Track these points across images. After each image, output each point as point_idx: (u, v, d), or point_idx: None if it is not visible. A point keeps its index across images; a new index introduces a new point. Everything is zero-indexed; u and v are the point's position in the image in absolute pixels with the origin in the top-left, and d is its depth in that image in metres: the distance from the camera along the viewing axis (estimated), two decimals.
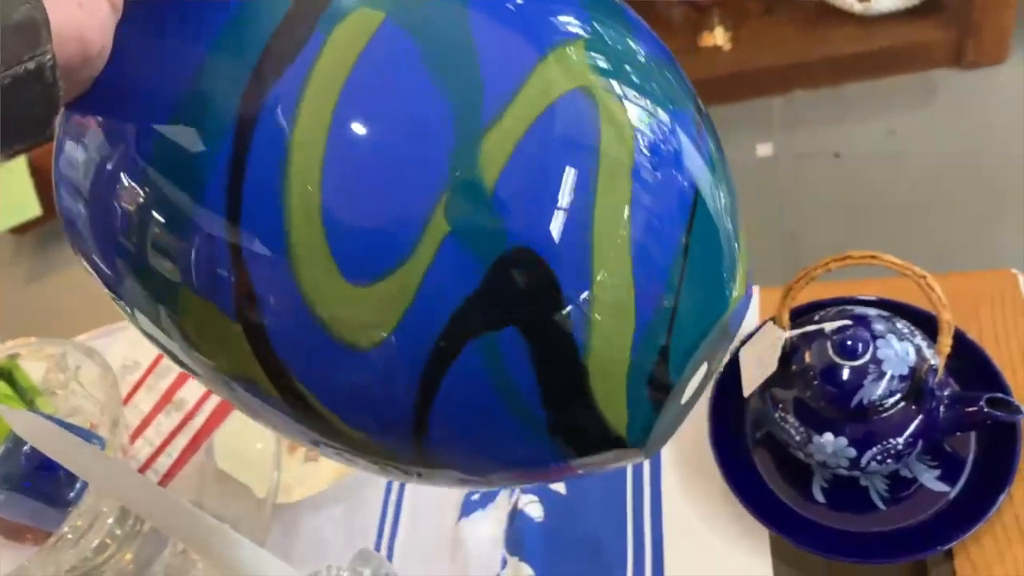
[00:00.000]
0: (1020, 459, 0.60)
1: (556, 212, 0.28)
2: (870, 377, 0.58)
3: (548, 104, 0.28)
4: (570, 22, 0.30)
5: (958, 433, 0.62)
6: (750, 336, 0.69)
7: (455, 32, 0.28)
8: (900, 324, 0.61)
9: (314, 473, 0.77)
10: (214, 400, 0.71)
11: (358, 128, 0.27)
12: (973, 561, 0.60)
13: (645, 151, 0.30)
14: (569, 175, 0.28)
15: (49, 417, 0.63)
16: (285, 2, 0.28)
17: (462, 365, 0.28)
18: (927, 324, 0.63)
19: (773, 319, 0.64)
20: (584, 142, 0.29)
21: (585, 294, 0.28)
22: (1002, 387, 0.62)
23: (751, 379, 0.64)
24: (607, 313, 0.29)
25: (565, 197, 0.28)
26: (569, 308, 0.28)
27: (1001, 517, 0.60)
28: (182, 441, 0.71)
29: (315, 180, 0.27)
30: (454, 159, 0.27)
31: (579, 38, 0.30)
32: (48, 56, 0.24)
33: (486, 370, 0.29)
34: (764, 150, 1.74)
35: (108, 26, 0.28)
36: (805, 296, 0.66)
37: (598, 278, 0.28)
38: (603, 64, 0.30)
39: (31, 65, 0.24)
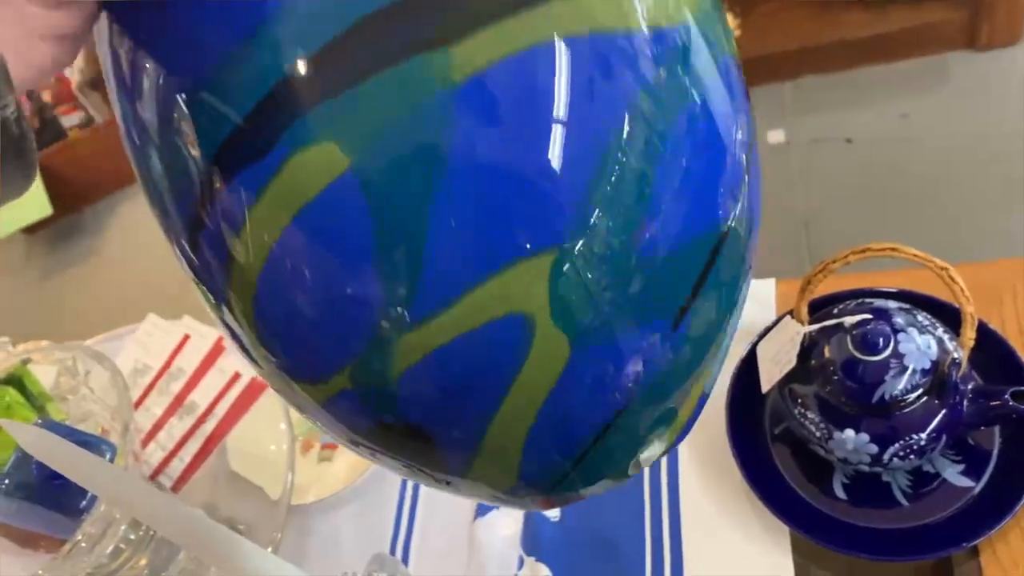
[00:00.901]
0: None
1: (454, 415, 0.28)
2: (892, 372, 0.57)
3: (478, 325, 0.26)
4: (550, 225, 0.26)
5: (982, 427, 0.61)
6: (767, 331, 0.67)
7: (412, 212, 0.25)
8: (921, 317, 0.60)
9: (329, 474, 0.77)
10: (227, 403, 0.70)
11: (291, 271, 0.27)
12: (1000, 558, 0.59)
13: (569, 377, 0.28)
14: (477, 391, 0.28)
15: (58, 425, 0.63)
16: (260, 89, 0.25)
17: None
18: (948, 315, 0.62)
19: (791, 313, 0.63)
20: (501, 371, 0.27)
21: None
22: None
23: (769, 375, 0.63)
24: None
25: (467, 409, 0.28)
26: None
27: None
28: (195, 445, 0.70)
29: (248, 294, 0.28)
30: (369, 345, 0.27)
31: (549, 250, 0.26)
32: (11, 109, 0.23)
33: None
34: (776, 136, 1.72)
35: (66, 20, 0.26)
36: (823, 288, 0.64)
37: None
38: (566, 284, 0.26)
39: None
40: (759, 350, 0.65)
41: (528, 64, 0.24)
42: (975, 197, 1.54)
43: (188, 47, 0.25)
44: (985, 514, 0.58)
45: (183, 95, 0.26)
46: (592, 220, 0.26)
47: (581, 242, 0.26)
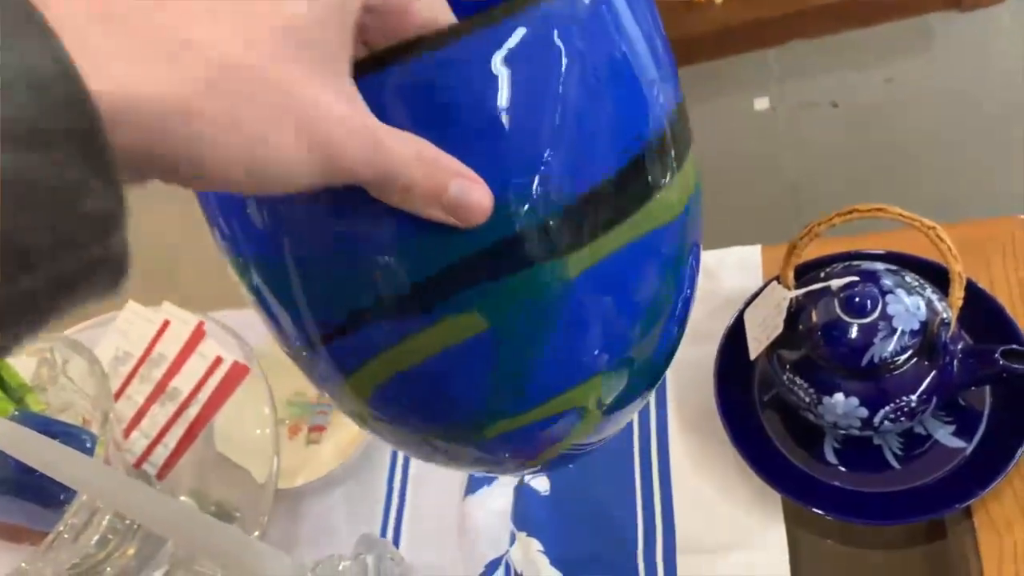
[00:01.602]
0: None
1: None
2: (880, 334, 0.56)
3: (550, 415, 0.35)
4: (624, 348, 0.36)
5: (973, 388, 0.60)
6: (754, 297, 0.67)
7: (527, 357, 0.33)
8: (909, 277, 0.59)
9: (316, 457, 0.76)
10: (209, 388, 0.69)
11: (414, 383, 0.33)
12: (992, 517, 0.58)
13: None
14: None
15: (35, 416, 0.61)
16: (439, 264, 0.30)
17: None
18: (937, 276, 0.61)
19: (777, 278, 0.62)
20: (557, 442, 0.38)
21: None
22: (1017, 338, 0.60)
23: (757, 342, 0.62)
24: None
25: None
26: None
27: (1020, 471, 0.58)
28: (179, 431, 0.69)
29: (364, 396, 0.35)
30: (470, 429, 0.35)
31: (618, 363, 0.36)
32: (117, 244, 0.22)
33: None
34: (761, 103, 1.70)
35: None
36: (809, 252, 0.64)
37: None
38: (610, 383, 0.36)
39: (97, 251, 0.22)
40: (746, 317, 0.64)
41: (624, 258, 0.32)
42: (961, 158, 1.54)
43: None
44: (978, 474, 0.58)
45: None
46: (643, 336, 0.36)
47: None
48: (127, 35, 0.21)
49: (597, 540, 0.66)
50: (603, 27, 0.29)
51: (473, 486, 0.70)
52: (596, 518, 0.67)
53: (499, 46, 0.26)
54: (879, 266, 0.60)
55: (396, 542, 0.70)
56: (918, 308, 0.57)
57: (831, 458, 0.63)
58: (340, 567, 0.52)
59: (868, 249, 0.66)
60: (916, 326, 0.56)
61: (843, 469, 0.62)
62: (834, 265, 0.62)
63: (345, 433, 0.77)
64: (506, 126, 0.27)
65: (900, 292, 0.57)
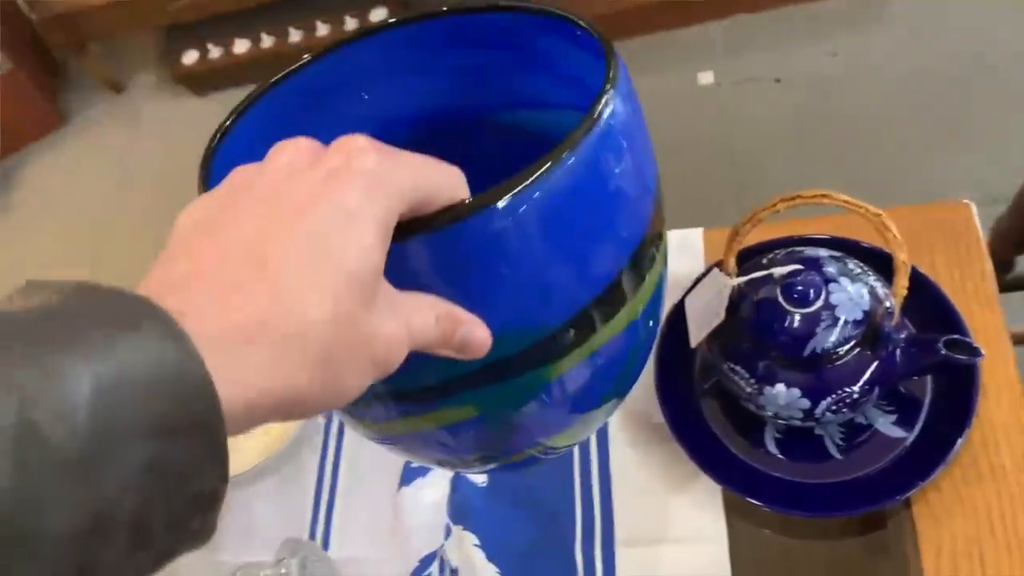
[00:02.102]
0: (977, 401, 0.57)
1: None
2: (823, 324, 0.54)
3: None
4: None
5: (915, 377, 0.59)
6: (696, 282, 0.65)
7: (513, 422, 0.42)
8: (852, 264, 0.58)
9: (238, 449, 0.73)
10: None
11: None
12: (932, 507, 0.58)
13: None
14: None
15: None
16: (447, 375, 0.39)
17: None
18: (880, 261, 0.60)
19: (719, 265, 0.60)
20: None
21: None
22: (959, 327, 0.59)
23: (698, 329, 0.60)
24: None
25: None
26: None
27: (959, 460, 0.58)
28: None
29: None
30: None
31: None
32: (213, 518, 0.26)
33: None
34: (706, 78, 1.69)
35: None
36: (752, 236, 0.62)
37: None
38: None
39: (195, 525, 0.25)
40: (687, 304, 0.62)
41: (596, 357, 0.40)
42: (906, 137, 1.54)
43: None
44: (918, 465, 0.57)
45: None
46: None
47: None
48: (245, 341, 0.26)
49: (535, 533, 0.64)
50: (576, 206, 0.35)
51: (407, 477, 0.68)
52: (534, 510, 0.65)
53: (498, 225, 0.33)
54: (822, 252, 0.59)
55: (326, 540, 0.67)
56: (862, 297, 0.55)
57: (772, 448, 0.61)
58: None
59: (811, 234, 0.65)
60: (859, 316, 0.55)
61: (784, 459, 0.61)
62: (777, 251, 0.60)
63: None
64: (501, 281, 0.34)
65: (843, 280, 0.56)
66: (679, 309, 0.65)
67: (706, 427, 0.63)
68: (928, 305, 0.61)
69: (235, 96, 0.48)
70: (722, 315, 0.58)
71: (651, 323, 0.44)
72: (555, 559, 0.63)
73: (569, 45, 0.42)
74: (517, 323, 0.36)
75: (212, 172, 0.40)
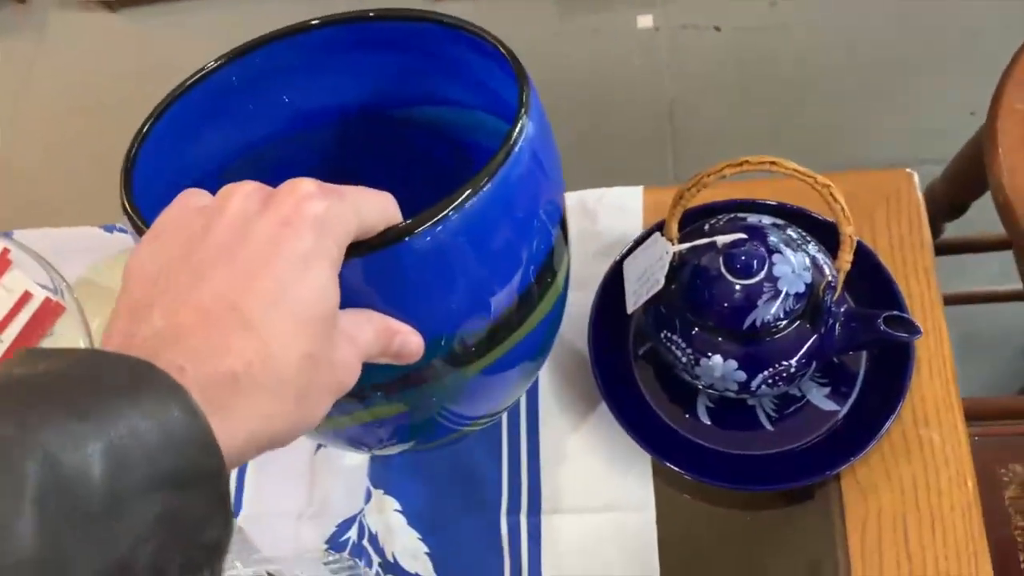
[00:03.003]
0: (912, 376, 0.57)
1: None
2: (764, 296, 0.53)
3: None
4: None
5: (851, 352, 0.58)
6: (635, 245, 0.62)
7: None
8: (794, 232, 0.56)
9: None
10: (16, 327, 0.60)
11: None
12: (859, 480, 0.57)
13: None
14: None
15: None
16: None
17: None
18: (821, 230, 0.59)
19: (660, 229, 0.57)
20: None
21: None
22: (898, 303, 0.58)
23: (636, 295, 0.58)
24: None
25: None
26: None
27: (889, 435, 0.57)
28: None
29: None
30: None
31: None
32: (220, 566, 0.28)
33: None
34: (645, 21, 1.65)
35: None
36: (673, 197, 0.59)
37: None
38: None
39: (206, 573, 0.27)
40: (625, 267, 0.60)
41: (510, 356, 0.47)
42: (845, 91, 1.53)
43: None
44: (849, 440, 0.57)
45: None
46: None
47: None
48: (236, 393, 0.29)
49: (459, 499, 0.62)
50: (493, 227, 0.40)
51: None
52: (458, 475, 0.62)
53: (424, 246, 0.37)
54: (766, 220, 0.57)
55: (238, 506, 0.64)
56: (805, 269, 0.53)
57: (703, 417, 0.60)
58: None
59: (755, 198, 0.63)
60: (801, 289, 0.53)
61: (715, 428, 0.60)
62: (719, 217, 0.58)
63: None
64: (429, 294, 0.39)
65: (787, 251, 0.54)
66: (616, 271, 0.62)
67: (639, 394, 0.61)
68: (866, 276, 0.59)
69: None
70: (661, 282, 0.55)
71: (560, 310, 0.50)
72: (479, 526, 0.61)
73: (478, 56, 0.45)
74: (444, 329, 0.41)
75: (134, 177, 0.42)
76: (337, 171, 0.55)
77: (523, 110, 0.40)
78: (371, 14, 0.47)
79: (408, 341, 0.37)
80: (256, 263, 0.31)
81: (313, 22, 0.47)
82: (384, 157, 0.55)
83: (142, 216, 0.40)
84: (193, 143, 0.48)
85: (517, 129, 0.40)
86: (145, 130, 0.44)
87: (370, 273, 0.36)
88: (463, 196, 0.37)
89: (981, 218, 1.00)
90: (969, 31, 1.55)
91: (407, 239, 0.36)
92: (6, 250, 0.61)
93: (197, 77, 0.46)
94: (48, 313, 0.60)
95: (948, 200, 0.89)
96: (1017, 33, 1.43)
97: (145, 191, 0.43)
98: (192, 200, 0.35)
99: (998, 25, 1.54)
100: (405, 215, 0.37)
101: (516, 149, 0.39)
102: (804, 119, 1.51)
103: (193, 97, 0.46)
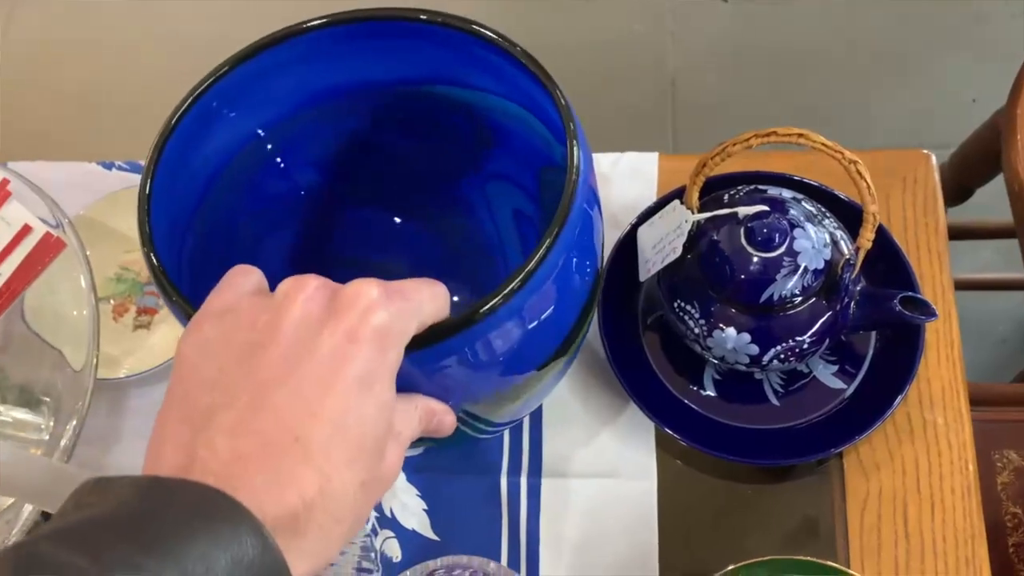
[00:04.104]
0: (920, 359, 0.57)
1: None
2: (784, 271, 0.52)
3: None
4: None
5: (862, 331, 0.58)
6: (649, 212, 0.61)
7: None
8: (813, 208, 0.56)
9: (145, 345, 0.67)
10: (14, 262, 0.58)
11: None
12: (862, 459, 0.58)
13: None
14: None
15: None
16: None
17: None
18: (840, 207, 0.58)
19: (679, 198, 0.57)
20: None
21: None
22: (911, 284, 0.58)
23: (650, 263, 0.57)
24: None
25: None
26: None
27: (893, 416, 0.58)
28: None
29: None
30: None
31: None
32: None
33: None
34: None
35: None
36: (689, 164, 0.58)
37: None
38: None
39: None
40: (640, 235, 0.59)
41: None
42: (848, 72, 1.52)
43: None
44: (854, 418, 0.57)
45: None
46: None
47: None
48: (297, 531, 0.30)
49: (459, 462, 0.61)
50: (538, 305, 0.42)
51: None
52: (460, 435, 0.62)
53: (467, 343, 0.40)
54: (786, 194, 0.56)
55: None
56: (824, 245, 0.53)
57: (710, 388, 0.60)
58: None
59: (775, 171, 0.62)
60: (821, 265, 0.53)
61: (721, 400, 0.60)
62: (739, 188, 0.57)
63: None
64: (471, 374, 0.42)
65: (808, 226, 0.53)
66: (629, 238, 0.61)
67: (646, 362, 0.61)
68: (881, 256, 0.59)
69: None
70: (679, 251, 0.55)
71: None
72: (478, 485, 0.60)
73: (517, 72, 0.46)
74: (481, 398, 0.46)
75: (163, 155, 0.44)
76: (359, 142, 0.56)
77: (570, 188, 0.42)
78: (422, 16, 0.47)
79: (444, 421, 0.40)
80: (320, 386, 0.31)
81: (341, 16, 0.48)
82: (406, 129, 0.55)
83: (168, 276, 0.42)
84: (224, 123, 0.50)
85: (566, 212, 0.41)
86: (182, 108, 0.46)
87: (420, 364, 0.38)
88: (512, 286, 0.39)
89: (975, 204, 1.00)
90: (973, 17, 1.55)
91: (454, 336, 0.38)
92: (6, 180, 0.60)
93: (235, 59, 0.47)
94: (48, 248, 0.58)
95: (955, 185, 0.88)
96: (1022, 20, 1.43)
97: (167, 181, 0.45)
98: (246, 283, 0.35)
99: (1003, 12, 1.53)
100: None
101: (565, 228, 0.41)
102: (805, 98, 1.50)
103: (231, 78, 0.47)
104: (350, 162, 0.57)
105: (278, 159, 0.55)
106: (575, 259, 0.43)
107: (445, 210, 0.60)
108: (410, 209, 0.60)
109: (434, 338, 0.37)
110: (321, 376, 0.31)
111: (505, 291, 0.39)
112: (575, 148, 0.43)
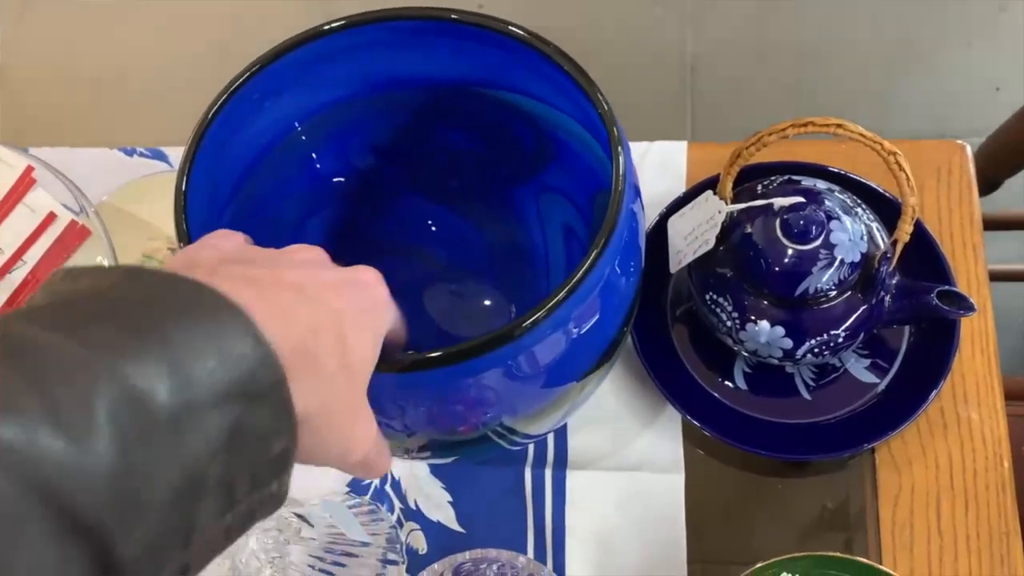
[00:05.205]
0: (955, 354, 0.56)
1: None
2: (820, 264, 0.51)
3: None
4: None
5: (895, 325, 0.57)
6: (678, 202, 0.61)
7: None
8: (849, 200, 0.55)
9: None
10: (41, 247, 0.58)
11: None
12: (894, 455, 0.57)
13: None
14: None
15: None
16: None
17: None
18: (875, 199, 0.57)
19: (713, 188, 0.56)
20: None
21: None
22: (947, 278, 0.57)
23: (681, 254, 0.56)
24: None
25: None
26: None
27: (926, 412, 0.57)
28: (0, 296, 0.58)
29: None
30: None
31: None
32: (287, 481, 0.29)
33: None
34: None
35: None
36: (718, 154, 0.57)
37: None
38: None
39: (273, 487, 0.28)
40: (670, 226, 0.58)
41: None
42: (869, 60, 1.50)
43: None
44: (887, 413, 0.56)
45: None
46: None
47: None
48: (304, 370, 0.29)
49: (484, 453, 0.61)
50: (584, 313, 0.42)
51: None
52: (492, 446, 0.61)
53: (510, 355, 0.41)
54: (821, 185, 0.55)
55: None
56: (861, 238, 0.52)
57: (740, 381, 0.59)
58: None
59: (811, 161, 0.61)
60: (857, 258, 0.52)
61: (751, 394, 0.59)
62: (773, 178, 0.56)
63: None
64: (503, 395, 0.44)
65: (845, 218, 0.52)
66: (659, 229, 0.61)
67: (674, 354, 0.60)
68: (916, 249, 0.58)
69: None
70: (712, 243, 0.54)
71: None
72: (504, 477, 0.60)
73: (571, 87, 0.46)
74: (520, 411, 0.47)
75: (200, 149, 0.44)
76: (415, 134, 0.56)
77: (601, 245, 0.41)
78: (512, 28, 0.46)
79: (379, 460, 0.38)
80: (324, 285, 0.32)
81: (399, 11, 0.47)
82: (470, 129, 0.56)
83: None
84: (260, 113, 0.50)
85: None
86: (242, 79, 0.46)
87: (464, 375, 0.40)
88: (557, 297, 0.39)
89: (1002, 196, 0.99)
90: (996, 4, 1.53)
91: (504, 346, 0.39)
92: (30, 167, 0.59)
93: (292, 43, 0.47)
94: (73, 236, 0.58)
95: (983, 176, 0.87)
96: None
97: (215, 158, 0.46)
98: (237, 238, 0.36)
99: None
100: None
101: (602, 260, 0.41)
102: (825, 86, 1.48)
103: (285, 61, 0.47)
104: (407, 153, 0.57)
105: (319, 148, 0.55)
106: (620, 263, 0.43)
107: (494, 212, 0.60)
108: (460, 206, 0.60)
109: (477, 351, 0.38)
110: (328, 283, 0.32)
111: (550, 304, 0.39)
112: (620, 156, 0.43)
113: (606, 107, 0.44)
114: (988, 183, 0.89)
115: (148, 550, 0.24)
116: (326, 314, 0.31)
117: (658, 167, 0.66)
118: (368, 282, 0.34)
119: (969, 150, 0.64)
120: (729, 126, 1.51)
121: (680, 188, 0.65)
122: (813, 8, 1.56)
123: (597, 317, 0.43)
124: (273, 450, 0.27)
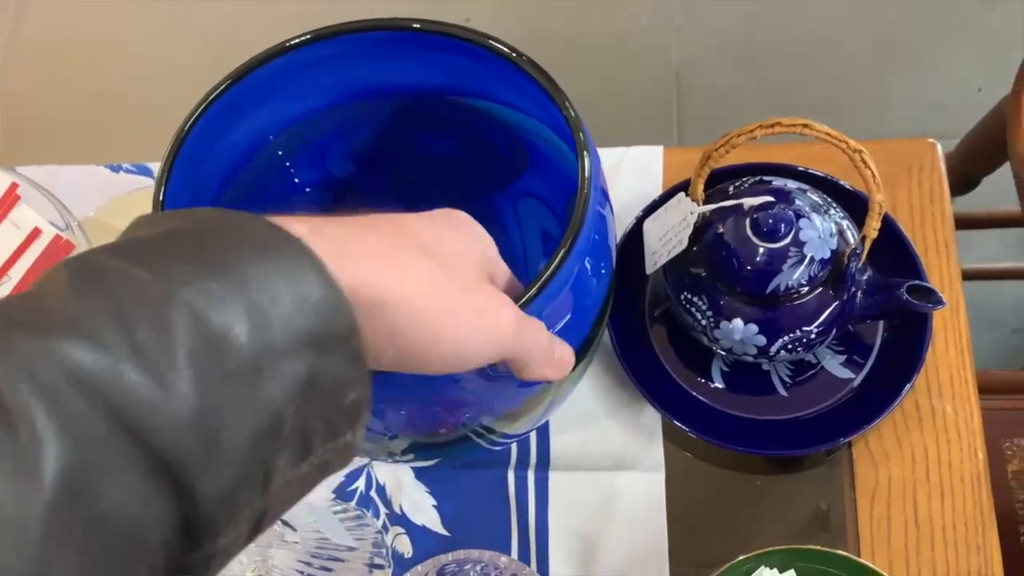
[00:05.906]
0: (928, 348, 0.57)
1: None
2: (790, 261, 0.52)
3: None
4: None
5: (869, 320, 0.58)
6: (655, 205, 0.62)
7: None
8: (819, 198, 0.56)
9: None
10: (24, 265, 0.59)
11: None
12: (871, 449, 0.58)
13: None
14: None
15: None
16: None
17: None
18: (844, 196, 0.58)
19: (685, 191, 0.57)
20: None
21: None
22: (918, 272, 0.58)
23: (656, 255, 0.57)
24: None
25: None
26: None
27: (902, 405, 0.57)
28: None
29: None
30: None
31: None
32: (360, 432, 0.29)
33: None
34: None
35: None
36: (694, 158, 0.58)
37: None
38: None
39: (347, 437, 0.28)
40: (646, 228, 0.59)
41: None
42: (854, 62, 1.52)
43: None
44: (862, 407, 0.57)
45: None
46: None
47: None
48: (375, 267, 0.31)
49: (466, 453, 0.61)
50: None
51: None
52: (472, 447, 0.62)
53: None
54: (791, 184, 0.56)
55: None
56: (831, 235, 0.53)
57: (717, 380, 0.60)
58: None
59: (779, 162, 0.62)
60: (827, 255, 0.53)
61: (728, 392, 0.60)
62: (744, 179, 0.57)
63: None
64: (480, 395, 0.47)
65: (814, 216, 0.53)
66: (634, 232, 0.62)
67: (653, 354, 0.61)
68: (887, 245, 0.59)
69: None
70: (685, 243, 0.55)
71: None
72: (487, 480, 0.61)
73: (540, 94, 0.46)
74: (499, 411, 0.50)
75: (176, 161, 0.45)
76: (392, 143, 0.57)
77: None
78: (476, 36, 0.47)
79: (566, 351, 0.40)
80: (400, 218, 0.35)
81: (376, 22, 0.48)
82: (445, 137, 0.57)
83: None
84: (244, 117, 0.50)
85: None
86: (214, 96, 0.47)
87: (440, 376, 0.39)
88: (529, 293, 0.41)
89: (983, 193, 1.00)
90: (979, 6, 1.54)
91: None
92: (14, 184, 0.60)
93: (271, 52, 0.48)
94: (58, 251, 0.59)
95: (962, 174, 0.88)
96: None
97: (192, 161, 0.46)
98: None
99: (1008, 1, 1.53)
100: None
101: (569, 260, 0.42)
102: (811, 88, 1.50)
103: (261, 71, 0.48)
104: (386, 162, 0.58)
105: (295, 159, 0.56)
106: (591, 263, 0.44)
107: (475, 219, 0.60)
108: None
109: None
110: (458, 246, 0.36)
111: (521, 301, 0.39)
112: (585, 159, 0.43)
113: (572, 112, 0.45)
114: (966, 181, 0.90)
115: (227, 492, 0.24)
116: (399, 227, 0.33)
117: (635, 172, 0.67)
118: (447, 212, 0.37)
119: (940, 148, 0.65)
120: (716, 131, 1.51)
121: (657, 192, 0.66)
122: (799, 14, 1.57)
123: (568, 317, 0.44)
124: (347, 400, 0.27)
